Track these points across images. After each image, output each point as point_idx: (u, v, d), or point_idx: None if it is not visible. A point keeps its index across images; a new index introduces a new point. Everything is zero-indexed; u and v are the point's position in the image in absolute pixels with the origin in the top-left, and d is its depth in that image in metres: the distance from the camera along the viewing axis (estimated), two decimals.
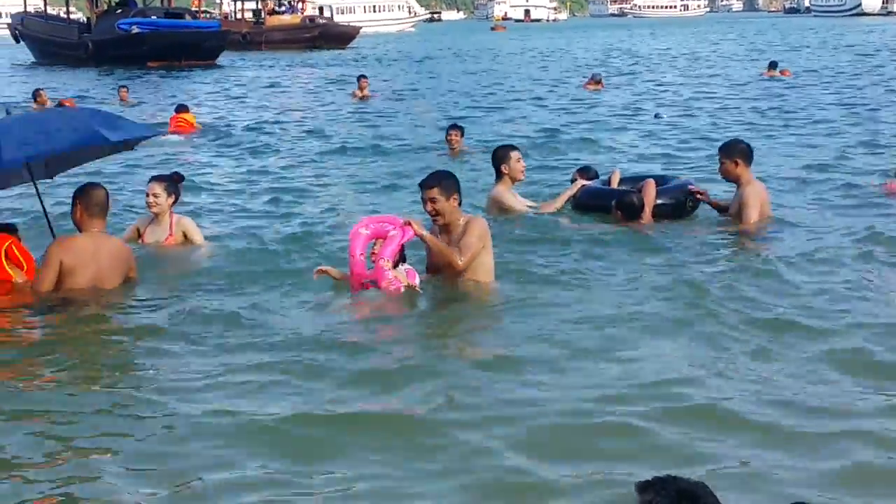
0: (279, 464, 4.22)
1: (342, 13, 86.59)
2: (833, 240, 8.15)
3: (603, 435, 4.44)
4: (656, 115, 18.18)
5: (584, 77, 26.15)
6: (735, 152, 8.57)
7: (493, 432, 4.46)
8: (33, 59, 43.16)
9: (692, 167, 12.18)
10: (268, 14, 58.89)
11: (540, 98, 22.30)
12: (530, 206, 9.43)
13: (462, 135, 13.83)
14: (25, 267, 6.86)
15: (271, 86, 28.15)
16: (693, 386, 4.97)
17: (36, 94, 20.53)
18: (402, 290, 6.43)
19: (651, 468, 3.75)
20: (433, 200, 6.63)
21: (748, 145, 8.75)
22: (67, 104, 18.87)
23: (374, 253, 6.46)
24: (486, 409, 4.74)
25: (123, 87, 23.79)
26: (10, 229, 7.13)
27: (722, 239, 8.35)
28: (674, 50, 37.02)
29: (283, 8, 61.20)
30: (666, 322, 6.01)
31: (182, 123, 16.44)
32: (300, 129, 17.58)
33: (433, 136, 15.63)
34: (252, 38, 54.19)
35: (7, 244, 6.80)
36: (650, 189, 8.90)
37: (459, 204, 6.69)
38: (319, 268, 6.74)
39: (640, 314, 6.17)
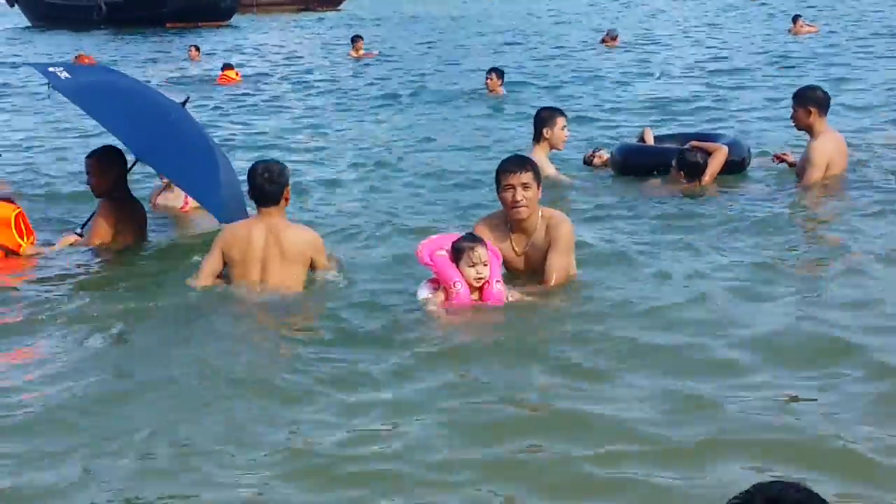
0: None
1: None
2: None
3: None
4: (659, 77, 17.89)
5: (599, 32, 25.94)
6: (809, 100, 7.82)
7: None
8: (27, 24, 40.44)
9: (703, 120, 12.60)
10: None
11: (554, 54, 22.33)
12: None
13: (500, 78, 14.24)
14: (28, 238, 6.85)
15: (283, 46, 28.44)
16: None
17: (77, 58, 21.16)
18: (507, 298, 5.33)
19: None
20: (526, 186, 5.28)
21: (825, 93, 7.95)
22: (87, 61, 20.08)
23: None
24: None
25: (194, 46, 24.56)
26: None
27: (780, 203, 7.64)
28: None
29: None
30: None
31: (228, 78, 18.51)
32: (322, 82, 18.62)
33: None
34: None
35: (16, 213, 6.80)
36: (720, 156, 8.18)
37: None
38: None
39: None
